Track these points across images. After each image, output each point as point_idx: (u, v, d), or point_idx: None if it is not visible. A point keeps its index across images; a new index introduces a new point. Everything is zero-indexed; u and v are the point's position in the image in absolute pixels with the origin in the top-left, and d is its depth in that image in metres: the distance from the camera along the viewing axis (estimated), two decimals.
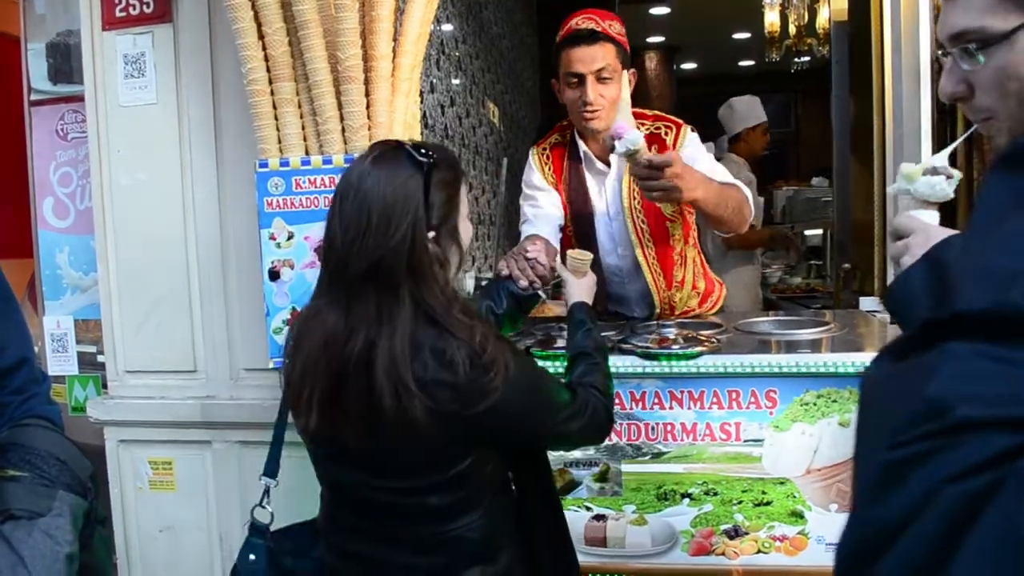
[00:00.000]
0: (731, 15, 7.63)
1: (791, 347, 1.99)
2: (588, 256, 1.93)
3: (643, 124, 2.38)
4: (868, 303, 2.97)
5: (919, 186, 1.11)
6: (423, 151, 1.38)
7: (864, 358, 1.84)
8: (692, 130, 2.43)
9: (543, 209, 2.41)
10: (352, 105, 1.89)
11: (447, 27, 3.63)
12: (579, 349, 1.69)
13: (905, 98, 2.85)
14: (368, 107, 1.91)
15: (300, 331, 1.42)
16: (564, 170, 2.45)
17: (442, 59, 3.43)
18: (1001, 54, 0.95)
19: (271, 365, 2.01)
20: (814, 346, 1.98)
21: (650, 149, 2.27)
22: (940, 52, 1.05)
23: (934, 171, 1.10)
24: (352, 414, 1.33)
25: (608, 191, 2.42)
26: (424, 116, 3.11)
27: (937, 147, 2.84)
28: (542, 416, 1.47)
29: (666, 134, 2.37)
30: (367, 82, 1.91)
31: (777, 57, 6.30)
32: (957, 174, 1.12)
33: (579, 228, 2.45)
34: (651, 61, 8.84)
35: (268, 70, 1.93)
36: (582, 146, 2.41)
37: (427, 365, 1.30)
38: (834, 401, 1.87)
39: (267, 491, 1.68)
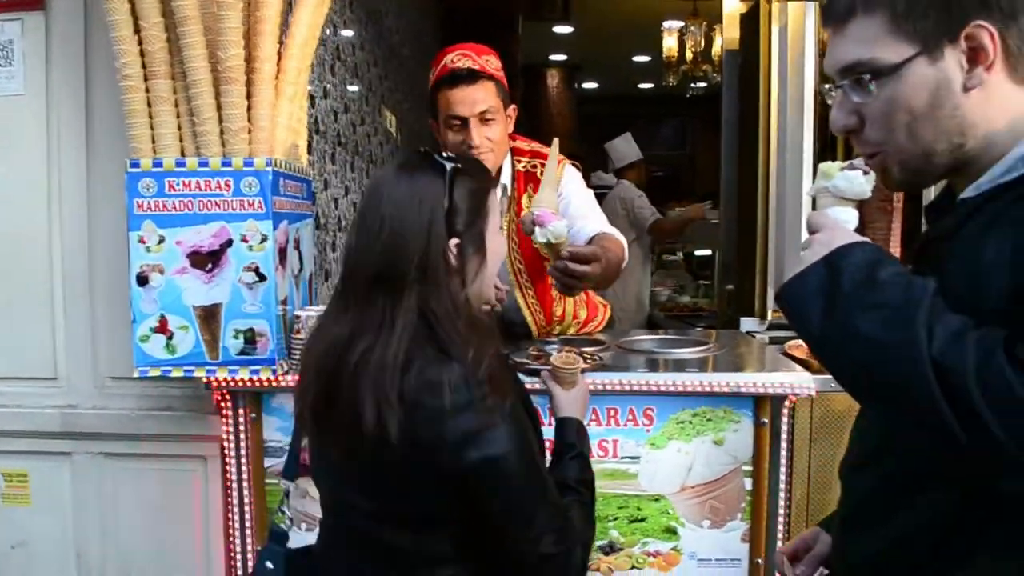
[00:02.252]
0: (632, 38, 7.78)
1: (670, 366, 2.02)
2: (578, 363, 1.74)
3: (520, 160, 2.33)
4: (749, 323, 3.06)
5: (837, 181, 1.08)
6: (447, 156, 1.32)
7: (739, 378, 1.88)
8: (573, 165, 2.39)
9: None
10: (232, 107, 1.82)
11: (347, 32, 3.57)
12: (562, 480, 1.43)
13: (789, 128, 2.95)
14: (249, 109, 1.85)
15: (310, 340, 1.37)
16: None
17: (337, 65, 3.37)
18: (891, 86, 0.96)
19: (136, 374, 1.91)
20: (692, 365, 2.01)
21: (524, 188, 2.29)
22: (827, 87, 1.06)
23: (851, 167, 1.08)
24: (338, 427, 1.26)
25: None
26: (316, 121, 3.04)
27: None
28: (528, 491, 1.26)
29: (542, 173, 2.18)
30: (249, 84, 1.85)
31: (674, 82, 6.46)
32: (872, 174, 1.09)
33: None
34: (553, 79, 8.93)
35: (144, 66, 1.84)
36: None
37: (413, 381, 1.19)
38: (709, 420, 1.91)
39: (287, 494, 1.57)
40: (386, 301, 1.24)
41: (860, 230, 1.06)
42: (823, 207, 1.10)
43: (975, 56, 0.93)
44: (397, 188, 1.27)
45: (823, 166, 1.11)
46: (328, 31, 3.25)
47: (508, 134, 2.30)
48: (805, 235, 1.06)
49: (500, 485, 1.23)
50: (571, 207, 2.24)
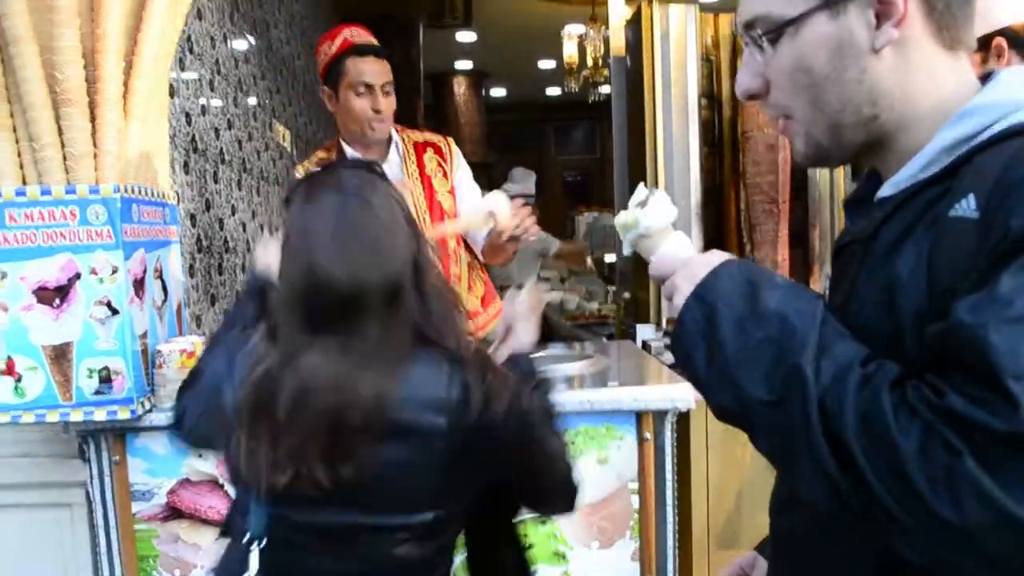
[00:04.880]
0: (535, 43, 7.79)
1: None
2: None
3: (409, 135, 2.60)
4: (645, 331, 3.05)
5: (641, 229, 1.00)
6: (361, 162, 1.35)
7: (619, 394, 1.85)
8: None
9: None
10: (74, 131, 1.71)
11: (230, 45, 3.44)
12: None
13: (675, 133, 2.95)
14: (94, 133, 1.74)
15: (264, 386, 1.23)
16: None
17: (217, 79, 3.24)
18: (790, 44, 0.85)
19: None
20: (574, 382, 1.97)
21: (425, 152, 2.59)
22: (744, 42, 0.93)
23: (645, 201, 1.00)
24: (345, 455, 1.21)
25: None
26: (193, 139, 2.92)
27: (704, 179, 2.96)
28: (545, 420, 1.35)
29: (439, 142, 2.63)
30: (93, 106, 1.73)
31: (576, 87, 6.49)
32: (656, 191, 1.03)
33: None
34: (459, 86, 8.90)
35: None
36: (354, 154, 2.46)
37: (423, 387, 1.23)
38: (592, 438, 1.87)
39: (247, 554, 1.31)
40: (382, 319, 1.22)
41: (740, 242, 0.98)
42: (649, 253, 1.01)
43: (885, 10, 0.81)
44: (367, 198, 1.25)
45: (619, 221, 1.03)
46: (206, 45, 3.13)
47: None
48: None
49: (528, 428, 1.29)
50: (473, 194, 2.60)
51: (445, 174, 2.59)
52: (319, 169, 1.33)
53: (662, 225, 1.00)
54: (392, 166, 2.50)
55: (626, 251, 1.06)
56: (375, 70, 2.40)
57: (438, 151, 2.60)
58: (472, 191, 2.62)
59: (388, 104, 2.43)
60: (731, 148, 3.04)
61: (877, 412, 0.70)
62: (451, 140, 2.68)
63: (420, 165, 2.57)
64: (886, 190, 0.86)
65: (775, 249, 2.98)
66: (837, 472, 0.72)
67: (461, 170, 2.63)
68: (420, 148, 2.59)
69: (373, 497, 1.26)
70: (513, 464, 1.32)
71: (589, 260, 5.66)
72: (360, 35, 2.46)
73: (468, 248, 2.63)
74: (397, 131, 2.58)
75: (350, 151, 2.48)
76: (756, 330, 0.80)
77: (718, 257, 0.89)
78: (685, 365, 0.88)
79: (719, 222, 3.10)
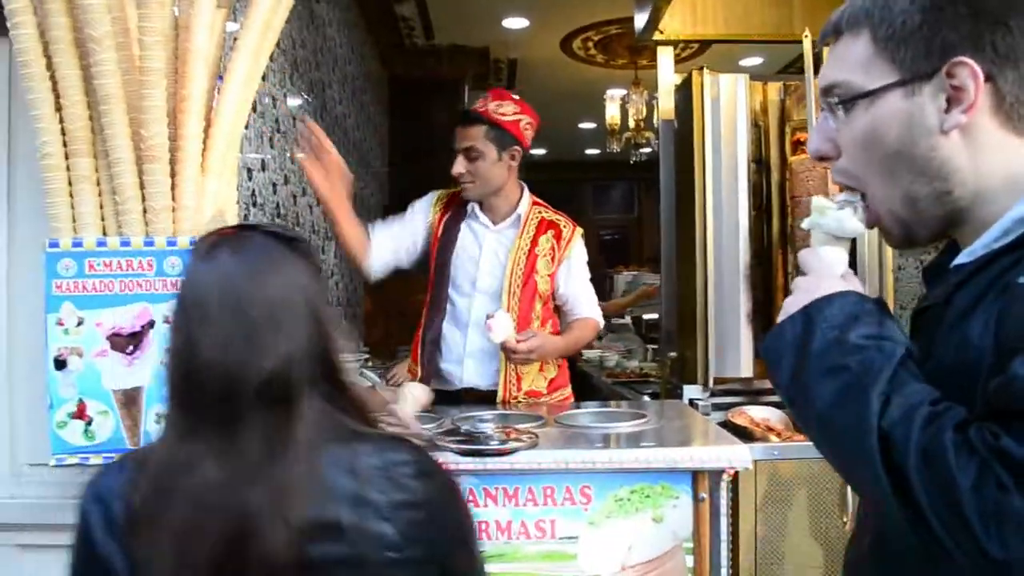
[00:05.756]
0: (577, 107, 7.93)
1: (606, 442, 1.99)
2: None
3: (545, 213, 2.79)
4: (692, 391, 3.05)
5: (828, 221, 1.02)
6: (284, 230, 1.16)
7: (676, 454, 1.86)
8: (582, 235, 2.83)
9: (405, 227, 2.73)
10: (155, 185, 1.78)
11: (289, 103, 3.56)
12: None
13: (725, 195, 2.98)
14: (173, 188, 1.82)
15: (156, 497, 1.04)
16: (448, 215, 2.73)
17: (277, 136, 3.35)
18: (864, 113, 0.89)
19: (52, 463, 1.82)
20: (629, 441, 1.99)
21: (545, 232, 2.75)
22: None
23: (844, 205, 1.01)
24: None
25: (486, 242, 2.71)
26: (253, 194, 3.01)
27: (752, 242, 2.98)
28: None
29: (564, 226, 2.79)
30: (173, 162, 1.81)
31: (618, 148, 6.58)
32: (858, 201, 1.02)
33: (441, 264, 2.70)
34: None
35: (65, 144, 1.80)
36: (476, 210, 2.73)
37: (377, 486, 1.06)
38: (647, 496, 1.88)
39: None
40: (278, 415, 1.04)
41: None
42: (816, 243, 1.04)
43: (956, 96, 0.85)
44: (259, 277, 1.08)
45: (816, 201, 1.04)
46: (268, 102, 3.24)
47: (515, 180, 2.81)
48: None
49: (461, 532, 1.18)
50: (570, 285, 2.79)
51: (553, 258, 2.72)
52: (233, 226, 1.18)
53: (838, 233, 1.02)
54: (502, 234, 2.71)
55: (805, 224, 1.06)
56: (459, 135, 2.62)
57: (557, 235, 2.74)
58: (576, 281, 2.80)
59: (467, 167, 2.60)
60: (780, 212, 3.06)
61: (939, 448, 0.76)
62: (579, 229, 2.83)
63: (534, 242, 2.70)
64: (962, 258, 0.90)
65: None
66: (892, 499, 0.77)
67: (569, 260, 2.76)
68: (543, 226, 2.74)
69: None
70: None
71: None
72: (482, 103, 2.68)
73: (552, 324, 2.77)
74: (533, 203, 2.79)
75: (473, 207, 2.70)
76: (839, 356, 0.85)
77: (844, 285, 0.94)
78: (772, 369, 0.94)
79: (767, 284, 3.11)
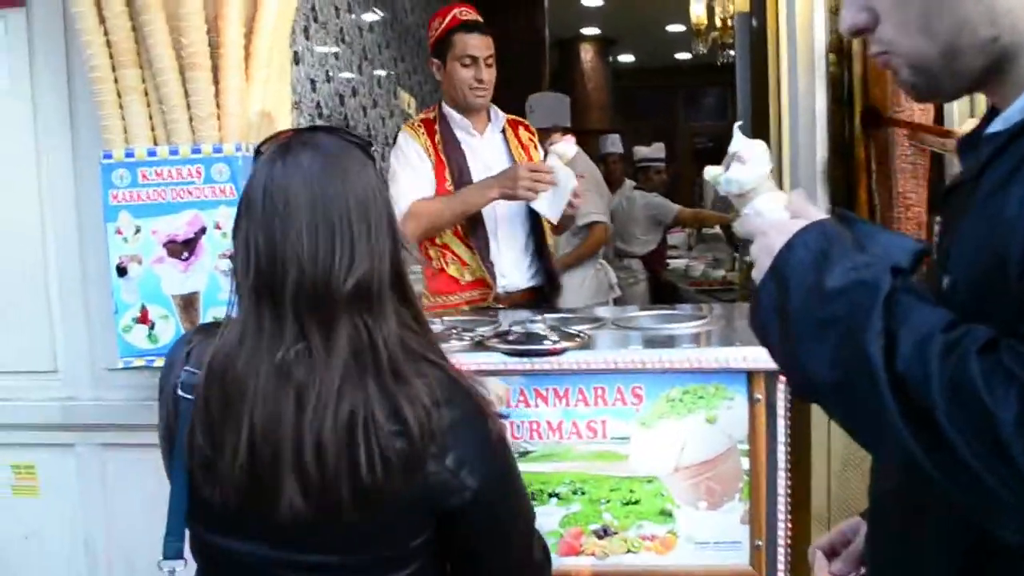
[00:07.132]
0: (664, 7, 7.62)
1: (659, 342, 1.95)
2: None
3: (498, 110, 2.81)
4: None
5: (728, 187, 0.96)
6: (355, 134, 1.15)
7: (729, 353, 1.80)
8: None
9: (421, 181, 2.63)
10: (199, 94, 1.80)
11: (353, 16, 3.54)
12: None
13: (801, 89, 2.83)
14: (217, 95, 1.83)
15: (231, 392, 1.05)
16: (439, 141, 2.69)
17: (342, 48, 3.34)
18: None
19: (120, 365, 1.91)
20: (683, 341, 1.94)
21: (518, 129, 2.86)
22: None
23: (729, 160, 0.95)
24: (319, 487, 1.04)
25: (486, 152, 2.73)
26: (318, 105, 3.02)
27: (831, 140, 2.83)
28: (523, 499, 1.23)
29: (523, 120, 2.94)
30: (215, 69, 1.82)
31: (704, 50, 6.31)
32: (756, 145, 0.97)
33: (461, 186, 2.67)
34: (586, 53, 8.82)
35: (111, 56, 1.83)
36: (457, 117, 2.71)
37: (409, 407, 1.05)
38: (700, 397, 1.84)
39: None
40: (357, 320, 1.04)
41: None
42: (741, 209, 0.96)
43: None
44: (342, 182, 1.06)
45: (707, 175, 1.00)
46: (331, 13, 3.22)
47: None
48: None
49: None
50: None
51: (536, 147, 2.85)
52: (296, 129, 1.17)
53: (750, 182, 0.94)
54: (493, 140, 2.78)
55: (721, 191, 0.99)
56: (479, 44, 2.65)
57: (527, 127, 2.89)
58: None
59: (489, 75, 2.67)
60: (862, 104, 2.88)
61: (966, 381, 0.64)
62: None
63: (518, 137, 2.82)
64: (996, 125, 0.79)
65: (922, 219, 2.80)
66: (922, 454, 0.67)
67: (540, 149, 2.84)
68: (513, 124, 2.85)
69: (352, 533, 1.09)
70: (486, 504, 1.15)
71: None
72: (468, 13, 2.72)
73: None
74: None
75: (452, 114, 2.71)
76: (819, 309, 0.75)
77: (795, 225, 0.83)
78: (762, 340, 0.85)
79: (849, 181, 2.96)
